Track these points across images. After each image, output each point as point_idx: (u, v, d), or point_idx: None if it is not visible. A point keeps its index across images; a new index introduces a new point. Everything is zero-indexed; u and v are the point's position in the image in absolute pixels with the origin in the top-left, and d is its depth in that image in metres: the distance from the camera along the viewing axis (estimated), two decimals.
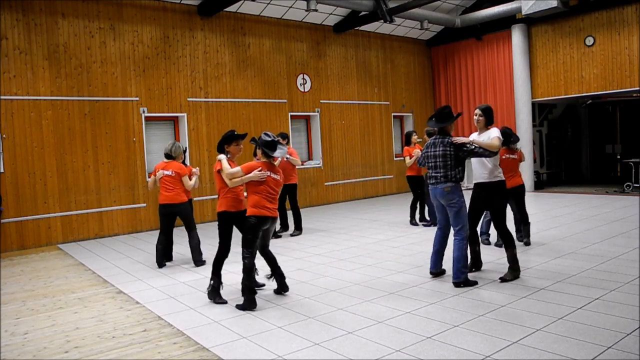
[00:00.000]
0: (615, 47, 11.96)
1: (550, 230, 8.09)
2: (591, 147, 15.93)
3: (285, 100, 12.23)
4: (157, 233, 9.71)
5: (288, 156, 8.25)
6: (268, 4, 11.36)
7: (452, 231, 5.49)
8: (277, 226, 8.57)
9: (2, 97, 8.58)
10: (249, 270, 4.94)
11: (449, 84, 15.28)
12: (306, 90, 12.66)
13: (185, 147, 7.15)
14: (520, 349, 3.64)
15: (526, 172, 13.41)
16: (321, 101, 12.95)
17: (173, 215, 6.85)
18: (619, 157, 14.62)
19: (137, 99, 10.00)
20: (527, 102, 13.35)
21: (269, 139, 5.08)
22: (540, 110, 14.65)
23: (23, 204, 8.76)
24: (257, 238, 5.02)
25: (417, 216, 9.28)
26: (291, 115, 12.37)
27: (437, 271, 5.64)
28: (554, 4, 11.04)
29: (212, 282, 5.25)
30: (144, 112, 10.06)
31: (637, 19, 11.56)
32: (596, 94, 12.56)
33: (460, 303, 4.72)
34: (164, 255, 6.93)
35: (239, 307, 4.93)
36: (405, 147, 9.17)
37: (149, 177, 10.15)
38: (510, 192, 6.52)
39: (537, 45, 13.36)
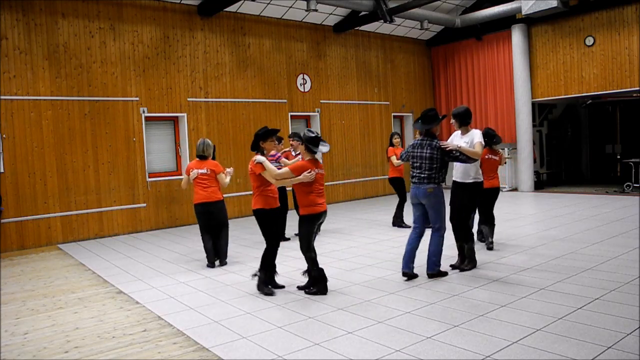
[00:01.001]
0: (615, 47, 11.96)
1: (550, 230, 8.09)
2: (591, 147, 15.93)
3: (285, 100, 12.23)
4: (157, 233, 9.80)
5: (286, 160, 7.87)
6: (268, 4, 11.36)
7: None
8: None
9: (2, 97, 8.58)
10: (312, 260, 5.17)
11: (449, 84, 15.28)
12: (306, 90, 12.66)
13: (214, 145, 7.22)
14: (520, 349, 3.64)
15: (526, 172, 13.43)
16: (321, 101, 12.95)
17: (210, 214, 6.67)
18: (619, 157, 14.61)
19: (137, 99, 10.00)
20: (527, 102, 13.35)
21: (313, 135, 5.11)
22: (540, 110, 14.65)
23: (23, 204, 8.76)
24: (312, 234, 5.18)
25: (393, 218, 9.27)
26: (291, 115, 12.37)
27: (409, 272, 5.58)
28: (554, 4, 11.04)
29: (259, 274, 5.38)
30: (144, 112, 10.06)
31: (637, 19, 11.56)
32: (596, 94, 12.56)
33: (460, 303, 4.72)
34: (214, 254, 6.74)
35: (309, 292, 5.19)
36: (390, 148, 9.10)
37: (149, 176, 10.17)
38: (485, 192, 6.56)
39: (537, 45, 13.36)
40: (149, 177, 10.20)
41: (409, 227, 8.95)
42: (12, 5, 8.69)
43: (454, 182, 6.01)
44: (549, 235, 7.68)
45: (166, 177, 10.47)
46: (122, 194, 9.81)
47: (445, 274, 5.69)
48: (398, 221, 9.15)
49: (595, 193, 12.50)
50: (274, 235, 5.38)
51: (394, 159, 8.87)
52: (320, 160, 5.41)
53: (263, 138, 5.41)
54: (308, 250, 5.18)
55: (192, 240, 8.83)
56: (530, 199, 12.27)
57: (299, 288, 5.40)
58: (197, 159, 6.73)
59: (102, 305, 5.27)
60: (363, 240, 8.02)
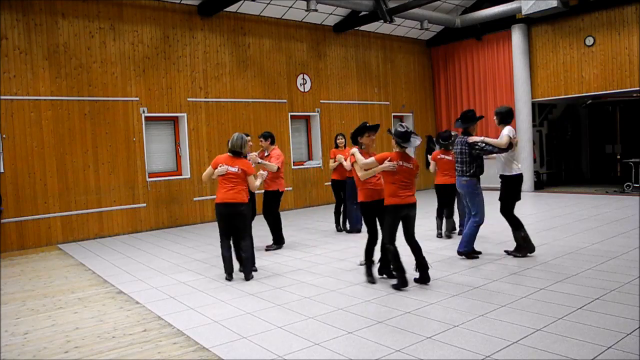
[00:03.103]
0: (615, 47, 11.96)
1: (550, 230, 8.09)
2: (591, 147, 15.93)
3: (285, 100, 12.23)
4: (157, 233, 9.80)
5: (260, 160, 7.27)
6: (268, 4, 11.36)
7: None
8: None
9: (2, 97, 8.58)
10: (394, 255, 5.30)
11: (449, 84, 15.28)
12: (306, 90, 12.66)
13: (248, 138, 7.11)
14: (520, 349, 3.64)
15: (526, 172, 13.41)
16: (321, 101, 12.94)
17: (231, 217, 5.99)
18: (619, 157, 14.61)
19: (137, 99, 10.00)
20: (527, 102, 13.35)
21: (402, 130, 5.35)
22: (540, 110, 14.64)
23: (23, 204, 8.75)
24: (395, 225, 5.35)
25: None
26: (291, 115, 12.37)
27: (463, 251, 6.35)
28: (554, 4, 11.03)
29: (365, 264, 5.68)
30: (144, 112, 10.06)
31: (637, 19, 11.56)
32: (596, 94, 12.56)
33: (460, 303, 4.72)
34: (232, 263, 6.09)
35: (394, 286, 5.30)
36: (333, 149, 8.90)
37: (149, 176, 10.16)
38: (439, 188, 7.77)
39: (537, 45, 13.36)
40: (149, 177, 10.20)
41: (342, 231, 8.93)
42: (12, 5, 8.69)
43: (499, 175, 6.40)
44: (549, 235, 7.68)
45: (166, 177, 10.47)
46: (122, 194, 9.80)
47: (475, 257, 6.31)
48: (338, 222, 8.99)
49: (595, 193, 12.50)
50: (374, 228, 5.62)
51: (331, 162, 8.61)
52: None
53: (360, 133, 5.73)
54: (390, 242, 5.31)
55: (192, 240, 8.84)
56: (530, 199, 12.26)
57: (416, 282, 5.44)
58: (229, 154, 6.03)
59: (102, 305, 5.27)
60: (363, 241, 7.95)
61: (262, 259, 7.02)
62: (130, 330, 4.49)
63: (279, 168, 7.41)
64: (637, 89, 11.75)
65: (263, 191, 7.69)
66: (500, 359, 3.51)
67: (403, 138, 5.32)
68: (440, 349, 3.71)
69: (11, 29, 8.68)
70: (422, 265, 5.41)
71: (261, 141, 7.66)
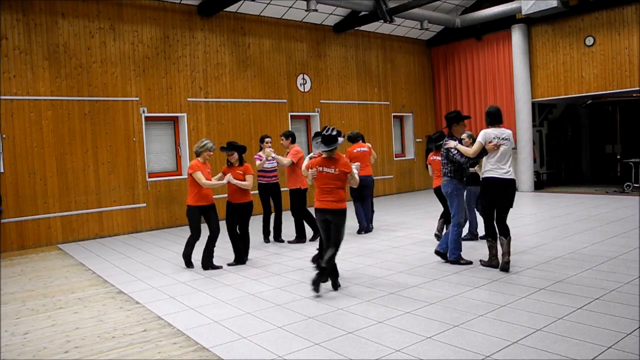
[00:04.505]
0: (615, 47, 11.96)
1: (550, 230, 8.09)
2: (591, 147, 15.92)
3: (285, 100, 12.23)
4: (157, 233, 9.81)
5: (274, 155, 7.73)
6: (268, 4, 11.36)
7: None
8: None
9: (2, 97, 8.58)
10: (319, 253, 5.59)
11: (449, 84, 15.28)
12: (306, 90, 12.66)
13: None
14: (520, 349, 3.64)
15: (526, 172, 13.43)
16: (321, 101, 12.94)
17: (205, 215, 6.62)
18: (619, 157, 14.60)
19: (137, 99, 10.00)
20: (527, 102, 13.35)
21: (324, 133, 5.33)
22: (540, 110, 14.64)
23: (23, 204, 8.75)
24: (322, 227, 5.43)
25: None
26: (291, 115, 12.37)
27: (443, 251, 6.30)
28: (554, 4, 11.04)
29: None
30: (144, 112, 10.06)
31: (637, 19, 11.56)
32: (596, 94, 12.56)
33: (460, 303, 4.72)
34: (211, 255, 6.60)
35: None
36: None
37: (149, 176, 10.17)
38: (435, 191, 7.55)
39: (537, 45, 13.36)
40: (149, 177, 10.20)
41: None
42: (12, 5, 8.69)
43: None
44: (549, 235, 7.68)
45: (166, 177, 10.47)
46: (122, 194, 9.81)
47: (468, 263, 6.10)
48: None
49: (595, 193, 12.50)
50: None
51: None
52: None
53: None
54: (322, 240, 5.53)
55: None
56: (530, 199, 12.26)
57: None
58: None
59: (102, 305, 5.27)
60: (363, 241, 8.01)
61: (262, 259, 7.02)
62: (130, 330, 4.49)
63: (294, 163, 7.83)
64: (637, 89, 11.74)
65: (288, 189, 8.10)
66: (500, 359, 3.51)
67: (326, 142, 5.23)
68: (440, 349, 3.71)
69: (11, 29, 8.68)
70: (322, 268, 5.17)
71: (282, 139, 8.16)
